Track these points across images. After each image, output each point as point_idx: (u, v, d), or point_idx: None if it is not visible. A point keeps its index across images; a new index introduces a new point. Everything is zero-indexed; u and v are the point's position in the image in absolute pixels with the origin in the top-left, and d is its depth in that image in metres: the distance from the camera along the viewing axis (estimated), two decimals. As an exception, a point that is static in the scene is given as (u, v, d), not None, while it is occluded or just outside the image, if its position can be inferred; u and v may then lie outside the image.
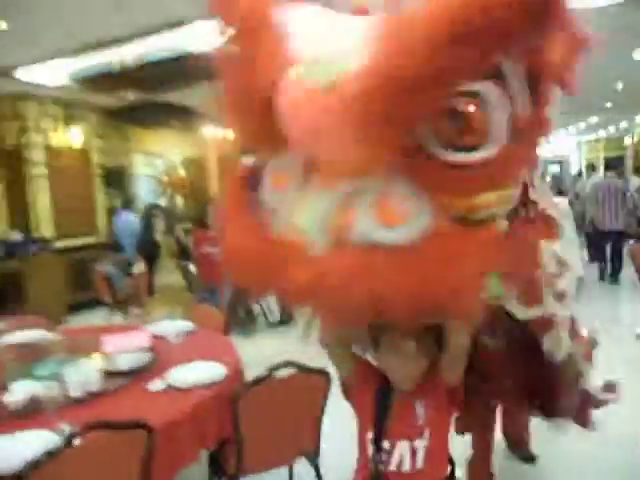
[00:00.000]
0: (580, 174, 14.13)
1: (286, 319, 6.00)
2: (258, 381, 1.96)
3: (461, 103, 0.91)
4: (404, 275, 0.88)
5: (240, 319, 5.69)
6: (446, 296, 0.88)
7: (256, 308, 6.15)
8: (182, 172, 11.21)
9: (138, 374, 2.24)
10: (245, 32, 1.06)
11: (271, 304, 6.23)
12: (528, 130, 0.97)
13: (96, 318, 6.22)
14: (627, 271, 6.74)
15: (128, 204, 7.19)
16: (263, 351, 5.00)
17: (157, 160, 10.77)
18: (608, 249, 7.27)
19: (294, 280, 0.92)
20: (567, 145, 22.58)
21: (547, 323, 1.39)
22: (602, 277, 7.32)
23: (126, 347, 2.33)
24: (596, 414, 1.94)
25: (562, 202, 3.00)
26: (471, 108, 0.91)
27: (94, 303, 6.63)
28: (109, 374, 2.21)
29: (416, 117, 0.88)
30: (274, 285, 0.99)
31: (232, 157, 1.32)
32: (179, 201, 11.42)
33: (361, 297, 0.88)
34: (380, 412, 1.39)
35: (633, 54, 6.78)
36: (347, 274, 0.89)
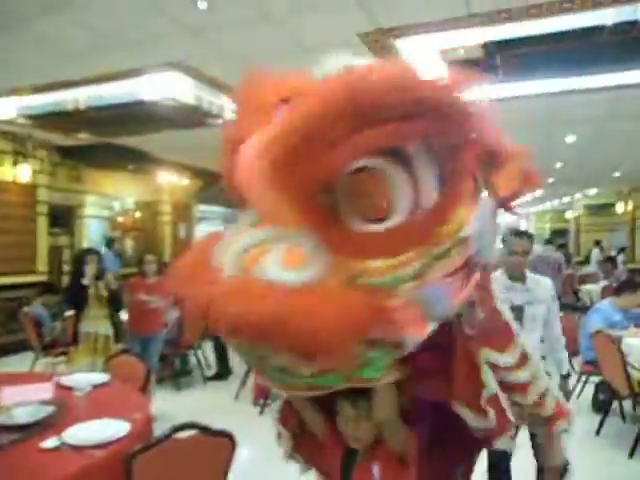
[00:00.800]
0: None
1: (224, 373, 5.86)
2: (156, 442, 1.90)
3: (364, 177, 1.01)
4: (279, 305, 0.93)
5: (174, 371, 5.52)
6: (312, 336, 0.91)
7: (192, 360, 6.00)
8: (134, 215, 11.08)
9: (36, 429, 2.13)
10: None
11: (208, 356, 6.10)
12: (430, 214, 1.04)
13: (21, 363, 5.91)
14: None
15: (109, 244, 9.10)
16: (194, 406, 4.85)
17: (109, 202, 10.62)
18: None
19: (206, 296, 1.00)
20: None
21: (502, 429, 1.29)
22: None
23: (26, 399, 2.22)
24: None
25: (545, 281, 2.79)
26: (376, 183, 1.02)
27: (26, 346, 6.32)
28: (4, 428, 2.10)
29: (312, 177, 0.98)
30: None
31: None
32: (129, 244, 11.22)
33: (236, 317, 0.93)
34: (344, 474, 1.40)
35: (565, 139, 7.36)
36: (228, 295, 0.96)
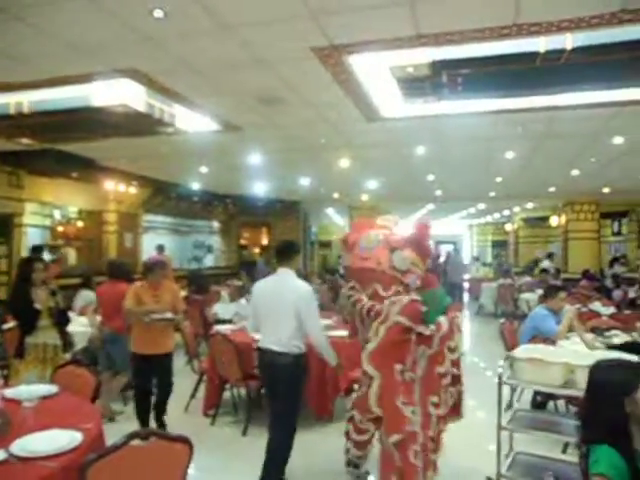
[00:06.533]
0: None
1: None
2: (111, 450, 1.88)
3: None
4: None
5: (121, 383, 5.35)
6: None
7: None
8: (77, 224, 10.69)
9: (-21, 443, 2.05)
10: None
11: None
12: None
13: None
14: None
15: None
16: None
17: (50, 210, 10.18)
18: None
19: None
20: (459, 227, 24.64)
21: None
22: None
23: (-31, 412, 2.13)
24: None
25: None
26: None
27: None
28: (-55, 442, 2.01)
29: None
30: None
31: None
32: (72, 254, 10.80)
33: None
34: None
35: (505, 155, 7.79)
36: None
